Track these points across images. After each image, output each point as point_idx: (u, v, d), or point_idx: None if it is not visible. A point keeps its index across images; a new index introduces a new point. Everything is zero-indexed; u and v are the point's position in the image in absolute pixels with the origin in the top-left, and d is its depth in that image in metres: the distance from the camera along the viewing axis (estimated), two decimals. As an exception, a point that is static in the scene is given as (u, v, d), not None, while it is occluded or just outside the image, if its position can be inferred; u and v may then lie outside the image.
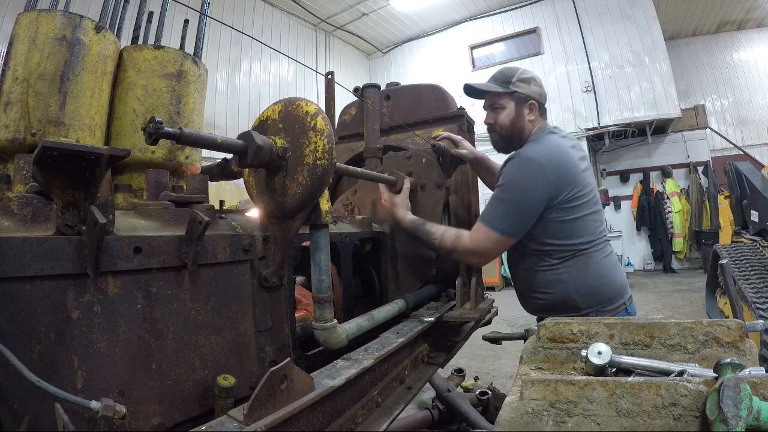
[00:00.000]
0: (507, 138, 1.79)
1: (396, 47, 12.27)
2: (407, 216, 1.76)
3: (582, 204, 1.63)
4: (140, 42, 1.82)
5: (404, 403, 1.26)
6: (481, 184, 2.28)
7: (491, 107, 1.80)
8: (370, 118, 2.16)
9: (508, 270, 2.09)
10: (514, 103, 1.74)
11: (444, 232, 1.69)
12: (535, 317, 1.84)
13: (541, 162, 1.57)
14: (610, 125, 9.25)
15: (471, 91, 1.82)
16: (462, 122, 2.19)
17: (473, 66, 11.10)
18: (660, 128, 9.88)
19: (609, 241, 1.79)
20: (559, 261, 1.65)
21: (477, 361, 4.53)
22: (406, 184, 1.79)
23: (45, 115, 1.40)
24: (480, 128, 2.20)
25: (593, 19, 9.59)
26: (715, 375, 0.68)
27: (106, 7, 1.66)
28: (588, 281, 1.64)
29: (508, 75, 1.75)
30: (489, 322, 2.11)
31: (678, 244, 9.64)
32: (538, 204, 1.58)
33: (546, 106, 1.82)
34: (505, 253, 1.83)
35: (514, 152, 1.73)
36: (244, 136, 1.01)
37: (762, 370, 0.73)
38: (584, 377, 0.74)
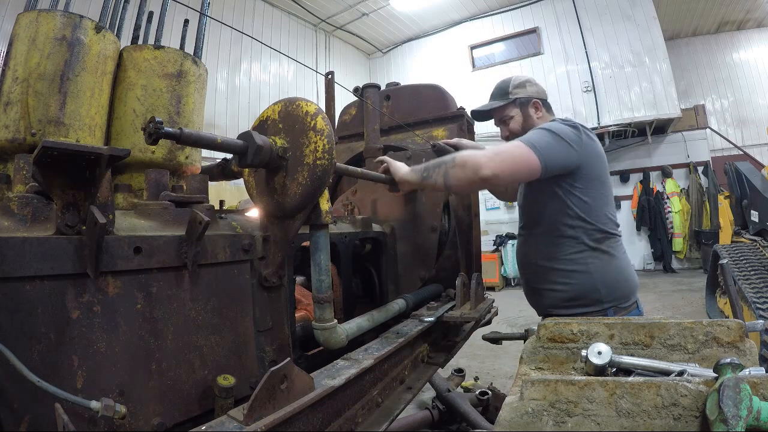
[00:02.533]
0: None
1: (396, 47, 12.27)
2: (409, 169, 1.67)
3: (606, 185, 1.69)
4: (140, 42, 1.82)
5: (404, 403, 1.26)
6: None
7: (501, 122, 1.88)
8: (370, 118, 2.16)
9: (517, 266, 2.02)
10: (518, 108, 1.82)
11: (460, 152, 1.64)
12: (541, 317, 1.83)
13: (578, 127, 1.63)
14: (610, 125, 9.25)
15: (478, 115, 1.93)
16: (462, 122, 2.19)
17: (473, 66, 11.09)
18: (660, 128, 9.88)
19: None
20: (586, 248, 1.65)
21: (477, 361, 4.53)
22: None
23: (45, 115, 1.40)
24: (480, 128, 2.20)
25: (593, 19, 9.59)
26: (715, 375, 0.68)
27: (106, 7, 1.66)
28: (612, 274, 1.66)
29: (504, 87, 1.84)
30: (489, 322, 2.11)
31: (678, 244, 9.63)
32: (570, 153, 1.56)
33: (549, 101, 1.89)
34: (516, 246, 1.83)
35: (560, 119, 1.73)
36: (244, 136, 1.01)
37: (762, 370, 0.73)
38: (584, 377, 0.74)
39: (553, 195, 1.67)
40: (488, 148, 1.56)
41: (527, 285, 1.88)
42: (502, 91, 1.85)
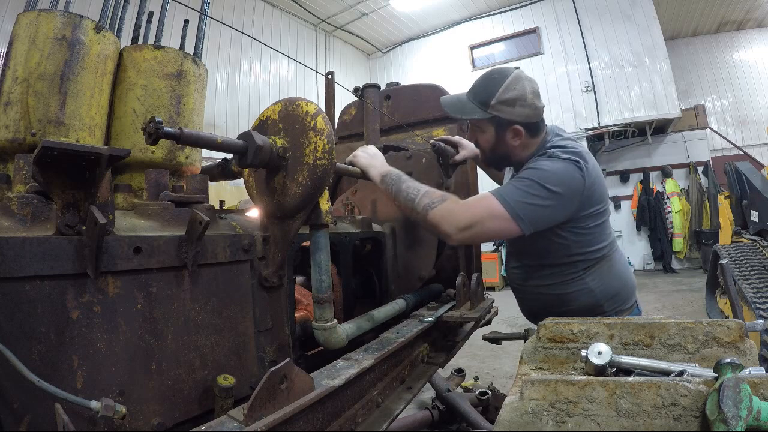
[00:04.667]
0: (491, 160, 1.66)
1: (396, 47, 12.27)
2: (382, 169, 1.51)
3: (605, 203, 1.54)
4: (140, 42, 1.82)
5: (404, 403, 1.26)
6: (482, 183, 2.28)
7: (472, 126, 1.63)
8: (370, 118, 2.16)
9: (510, 287, 1.91)
10: (493, 128, 1.51)
11: (429, 190, 1.43)
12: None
13: (581, 166, 1.40)
14: (610, 125, 9.25)
15: (446, 109, 1.60)
16: (462, 122, 2.19)
17: (473, 66, 11.10)
18: (660, 128, 9.89)
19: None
20: (584, 270, 1.54)
21: (477, 361, 4.53)
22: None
23: (45, 115, 1.40)
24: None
25: (593, 19, 9.59)
26: (715, 375, 0.68)
27: (106, 7, 1.67)
28: (613, 284, 1.58)
29: (488, 94, 1.46)
30: (489, 322, 2.11)
31: (678, 244, 9.64)
32: (564, 214, 1.41)
33: (543, 117, 1.55)
34: (506, 267, 1.76)
35: (556, 146, 1.47)
36: (244, 136, 1.01)
37: (762, 370, 0.73)
38: (584, 377, 0.74)
39: (547, 237, 1.49)
40: (466, 209, 1.38)
41: (524, 306, 1.80)
42: (483, 97, 1.47)
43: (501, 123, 1.48)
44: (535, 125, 1.52)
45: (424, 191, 1.43)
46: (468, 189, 2.20)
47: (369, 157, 1.57)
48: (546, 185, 1.35)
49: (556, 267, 1.57)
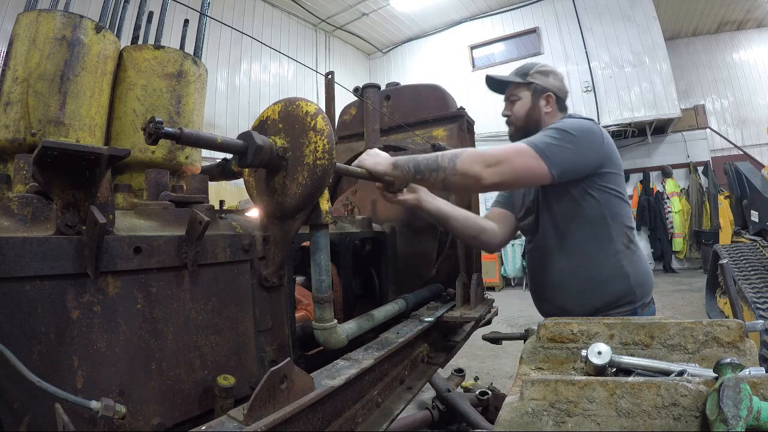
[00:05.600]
0: (523, 130, 1.75)
1: (396, 47, 12.28)
2: (389, 159, 1.56)
3: (622, 176, 1.67)
4: (140, 42, 1.82)
5: (404, 403, 1.26)
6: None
7: (509, 99, 1.82)
8: (370, 118, 2.16)
9: (531, 287, 1.87)
10: (530, 94, 1.75)
11: (446, 151, 1.51)
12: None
13: (599, 127, 1.59)
14: (610, 125, 9.25)
15: (491, 83, 1.85)
16: (462, 122, 2.19)
17: (473, 66, 11.11)
18: (660, 128, 9.89)
19: None
20: (619, 250, 1.58)
21: (477, 361, 4.53)
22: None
23: (45, 115, 1.40)
24: (480, 128, 2.19)
25: (593, 19, 9.60)
26: (715, 375, 0.68)
27: (106, 7, 1.67)
28: (642, 272, 1.62)
29: (527, 68, 1.78)
30: (489, 322, 2.11)
31: (678, 244, 9.64)
32: (587, 162, 1.51)
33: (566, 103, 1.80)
34: (531, 265, 1.76)
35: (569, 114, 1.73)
36: (244, 136, 1.01)
37: (762, 370, 0.73)
38: (584, 377, 0.74)
39: (585, 196, 1.56)
40: (494, 150, 1.45)
41: (553, 303, 1.71)
42: (523, 71, 1.78)
43: (537, 90, 1.75)
44: (562, 100, 1.79)
45: (441, 153, 1.50)
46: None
47: (372, 156, 1.61)
48: (570, 131, 1.48)
49: (595, 241, 1.59)
